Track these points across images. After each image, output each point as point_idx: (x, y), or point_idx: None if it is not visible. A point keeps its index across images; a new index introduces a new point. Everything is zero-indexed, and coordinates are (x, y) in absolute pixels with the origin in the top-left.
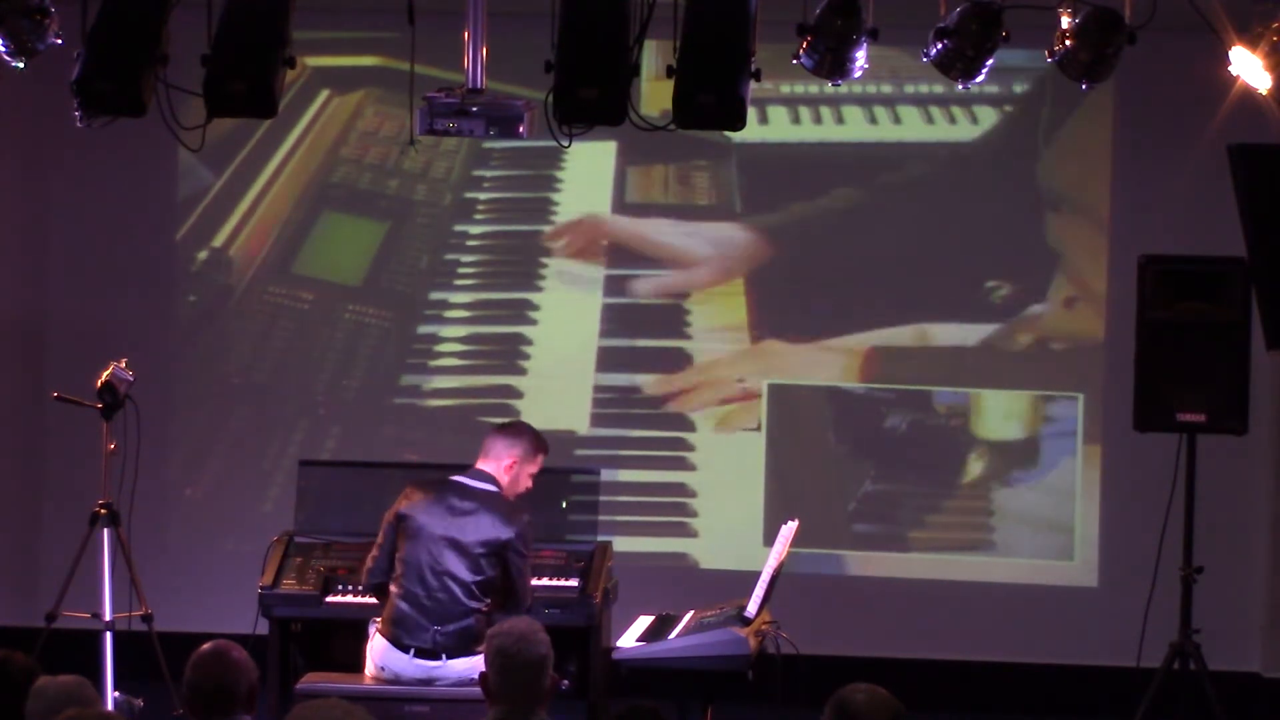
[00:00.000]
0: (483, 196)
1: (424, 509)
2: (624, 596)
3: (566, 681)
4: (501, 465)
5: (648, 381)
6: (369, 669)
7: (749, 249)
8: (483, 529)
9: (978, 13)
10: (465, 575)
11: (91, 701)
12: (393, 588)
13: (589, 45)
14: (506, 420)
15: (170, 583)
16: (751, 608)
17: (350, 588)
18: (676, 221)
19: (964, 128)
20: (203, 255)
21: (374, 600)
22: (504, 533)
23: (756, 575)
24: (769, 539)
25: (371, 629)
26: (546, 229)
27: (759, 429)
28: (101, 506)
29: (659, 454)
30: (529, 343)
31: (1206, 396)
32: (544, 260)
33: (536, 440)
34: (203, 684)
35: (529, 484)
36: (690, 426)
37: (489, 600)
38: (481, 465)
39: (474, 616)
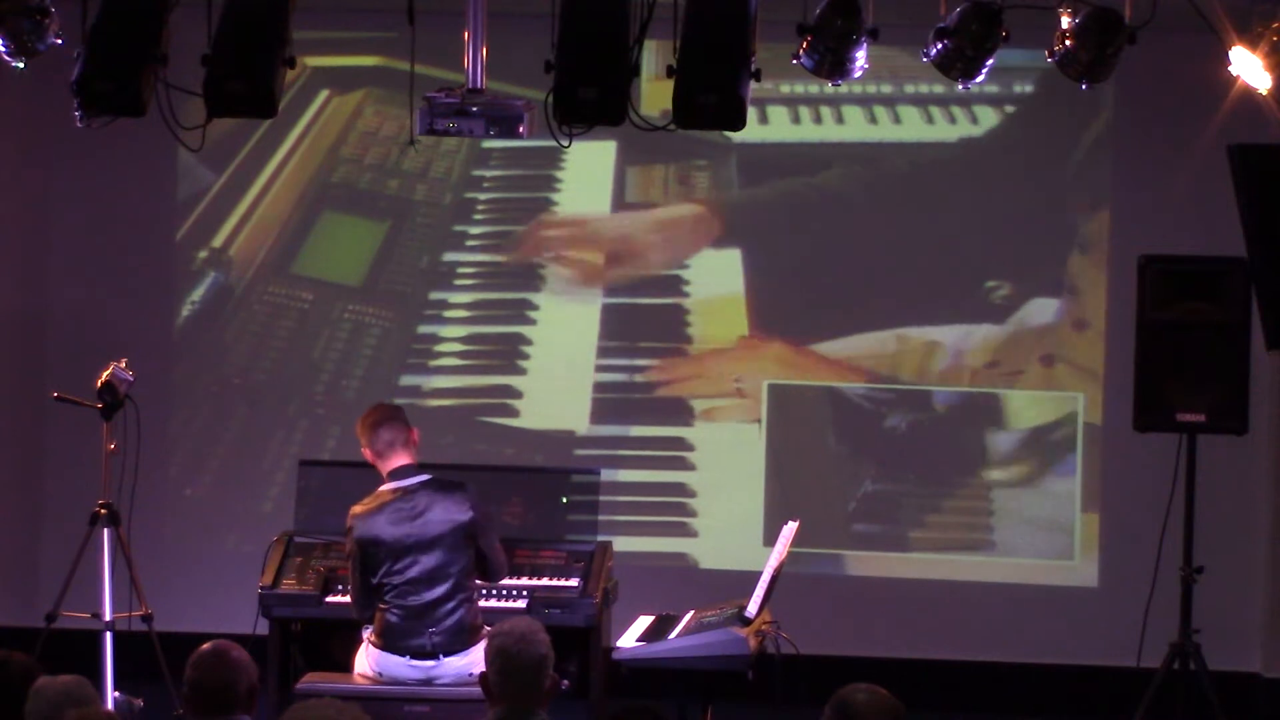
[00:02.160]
0: (483, 196)
1: (380, 526)
2: (624, 596)
3: (567, 682)
4: (413, 446)
5: (647, 382)
6: (362, 670)
7: (748, 248)
8: (442, 519)
9: (978, 13)
10: (447, 569)
11: (91, 701)
12: (382, 607)
13: (589, 45)
14: (370, 410)
15: (170, 583)
16: (751, 608)
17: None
18: (676, 221)
19: (964, 128)
20: (203, 255)
21: None
22: (464, 513)
23: (756, 575)
24: (769, 539)
25: (364, 634)
26: (546, 229)
27: (759, 428)
28: (101, 506)
29: (659, 454)
30: (529, 343)
31: (1206, 396)
32: (544, 260)
33: (397, 409)
34: (203, 684)
35: None
36: (690, 426)
37: (474, 585)
38: (400, 462)
39: (465, 607)
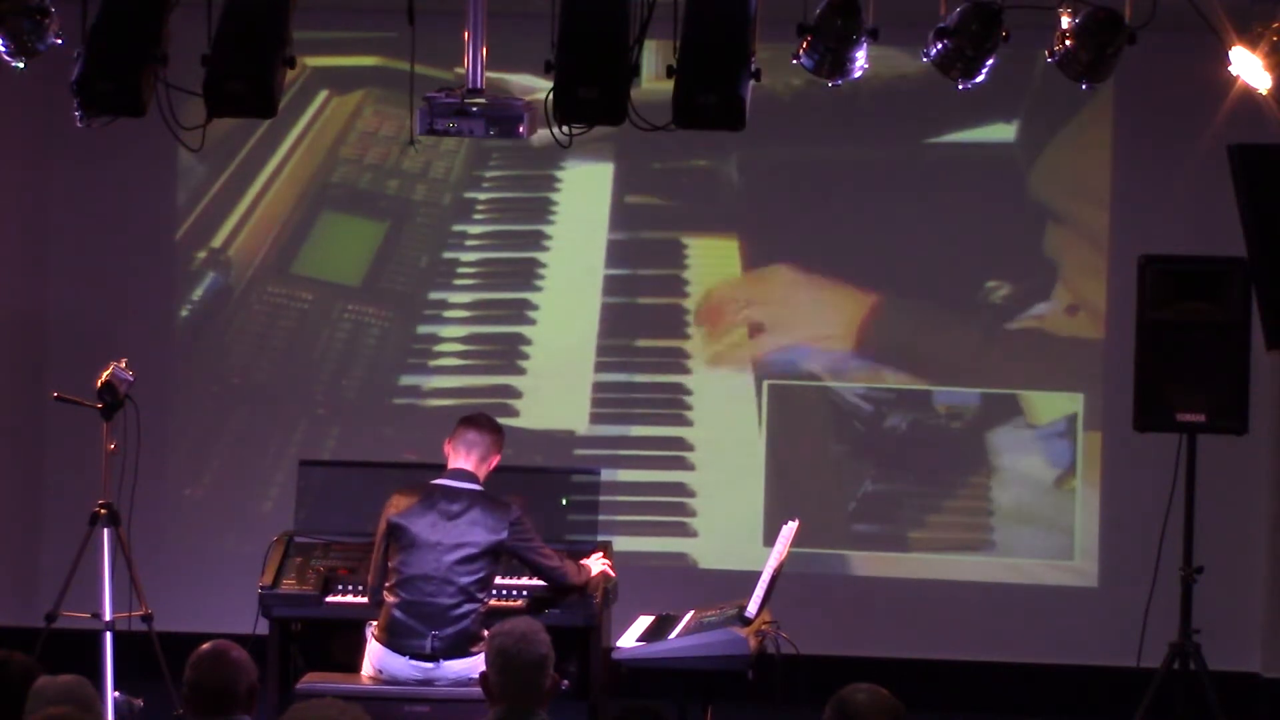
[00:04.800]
0: (483, 196)
1: (415, 516)
2: (624, 596)
3: (567, 682)
4: (488, 464)
5: (647, 381)
6: (367, 670)
7: (749, 249)
8: (476, 531)
9: (978, 13)
10: (463, 579)
11: (91, 701)
12: (388, 596)
13: (589, 45)
14: (474, 414)
15: (170, 583)
16: (751, 608)
17: (350, 587)
18: (675, 221)
19: (964, 128)
20: (202, 255)
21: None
22: (499, 533)
23: (756, 575)
24: (769, 539)
25: (368, 631)
26: (546, 229)
27: (759, 429)
28: (101, 506)
29: (659, 454)
30: (528, 342)
31: (1206, 396)
32: (543, 260)
33: (501, 429)
34: (202, 684)
35: None
36: (690, 426)
37: (485, 598)
38: (461, 464)
39: (471, 618)
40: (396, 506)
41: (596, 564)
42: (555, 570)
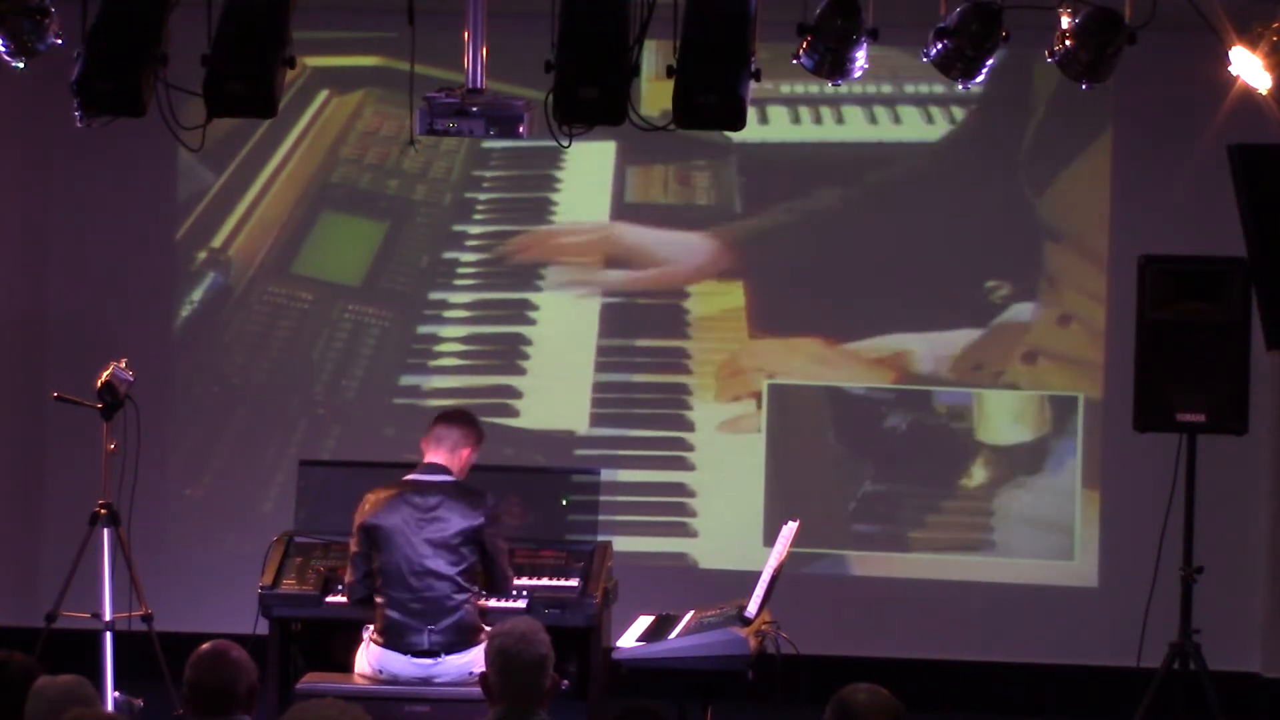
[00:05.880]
0: (483, 196)
1: (389, 514)
2: (624, 596)
3: (567, 682)
4: (458, 455)
5: (647, 381)
6: (362, 670)
7: (748, 249)
8: (453, 520)
9: (978, 13)
10: (447, 569)
11: (91, 701)
12: (378, 599)
13: (589, 45)
14: (447, 409)
15: (170, 583)
16: (752, 608)
17: None
18: (676, 221)
19: (964, 128)
20: (202, 255)
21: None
22: (474, 519)
23: (756, 575)
24: (769, 539)
25: (365, 634)
26: (546, 229)
27: (759, 428)
28: (101, 506)
29: (659, 454)
30: (529, 343)
31: (1206, 396)
32: (544, 260)
33: (480, 427)
34: (202, 684)
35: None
36: (690, 426)
37: (475, 588)
38: (433, 458)
39: (464, 609)
40: (369, 508)
41: None
42: (507, 575)
